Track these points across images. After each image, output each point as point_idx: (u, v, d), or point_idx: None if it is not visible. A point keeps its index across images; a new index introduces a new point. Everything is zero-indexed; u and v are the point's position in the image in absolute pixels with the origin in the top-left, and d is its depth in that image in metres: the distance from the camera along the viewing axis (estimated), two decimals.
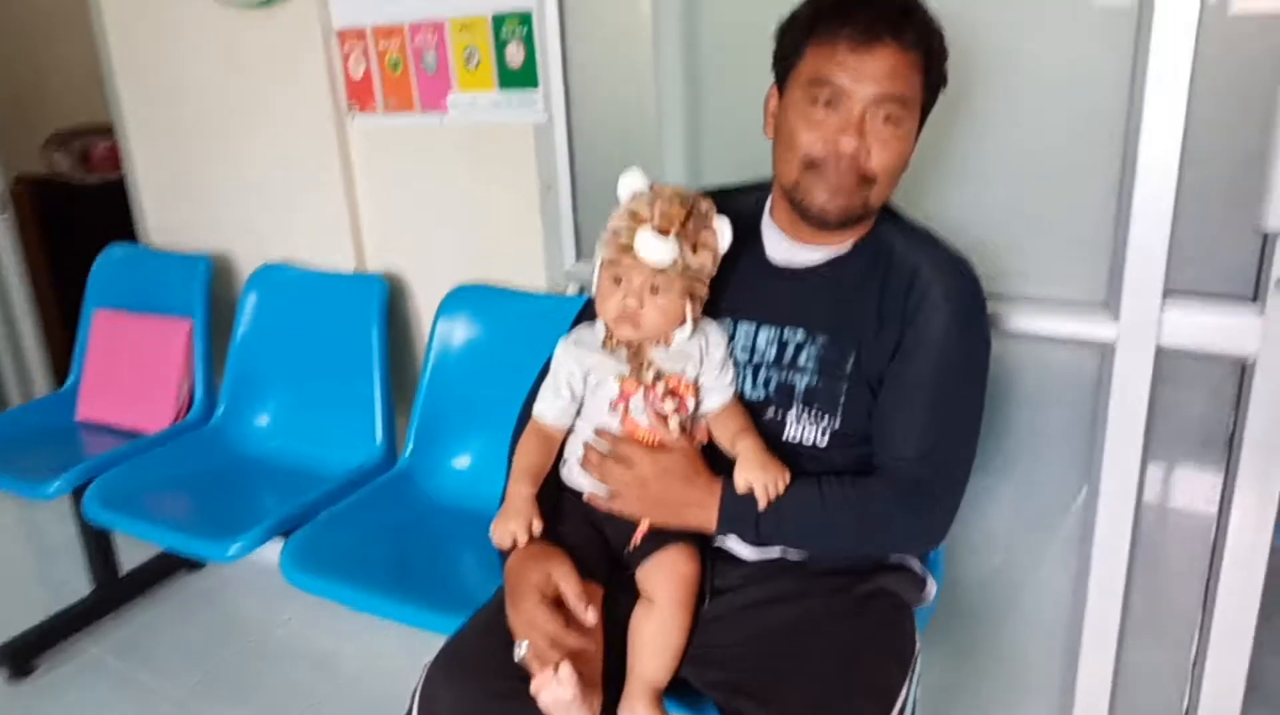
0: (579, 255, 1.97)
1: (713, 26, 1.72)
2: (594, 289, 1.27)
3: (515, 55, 1.91)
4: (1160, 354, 1.44)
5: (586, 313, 1.44)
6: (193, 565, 2.69)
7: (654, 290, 1.21)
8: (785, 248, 1.32)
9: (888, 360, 1.26)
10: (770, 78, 1.30)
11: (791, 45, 1.23)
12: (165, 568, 2.65)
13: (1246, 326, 1.39)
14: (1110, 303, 1.46)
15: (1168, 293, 1.40)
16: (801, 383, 1.29)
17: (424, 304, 2.25)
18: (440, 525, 1.95)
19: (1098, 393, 1.53)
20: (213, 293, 2.45)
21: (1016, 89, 1.47)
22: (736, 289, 1.32)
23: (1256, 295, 1.39)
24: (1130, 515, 1.52)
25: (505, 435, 1.97)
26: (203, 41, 2.32)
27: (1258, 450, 1.43)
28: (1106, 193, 1.45)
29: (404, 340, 2.32)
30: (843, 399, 1.27)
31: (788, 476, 1.22)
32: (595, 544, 1.31)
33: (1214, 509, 1.52)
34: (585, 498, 1.29)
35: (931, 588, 1.36)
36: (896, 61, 1.16)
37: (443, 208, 2.14)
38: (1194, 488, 1.54)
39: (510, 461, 1.38)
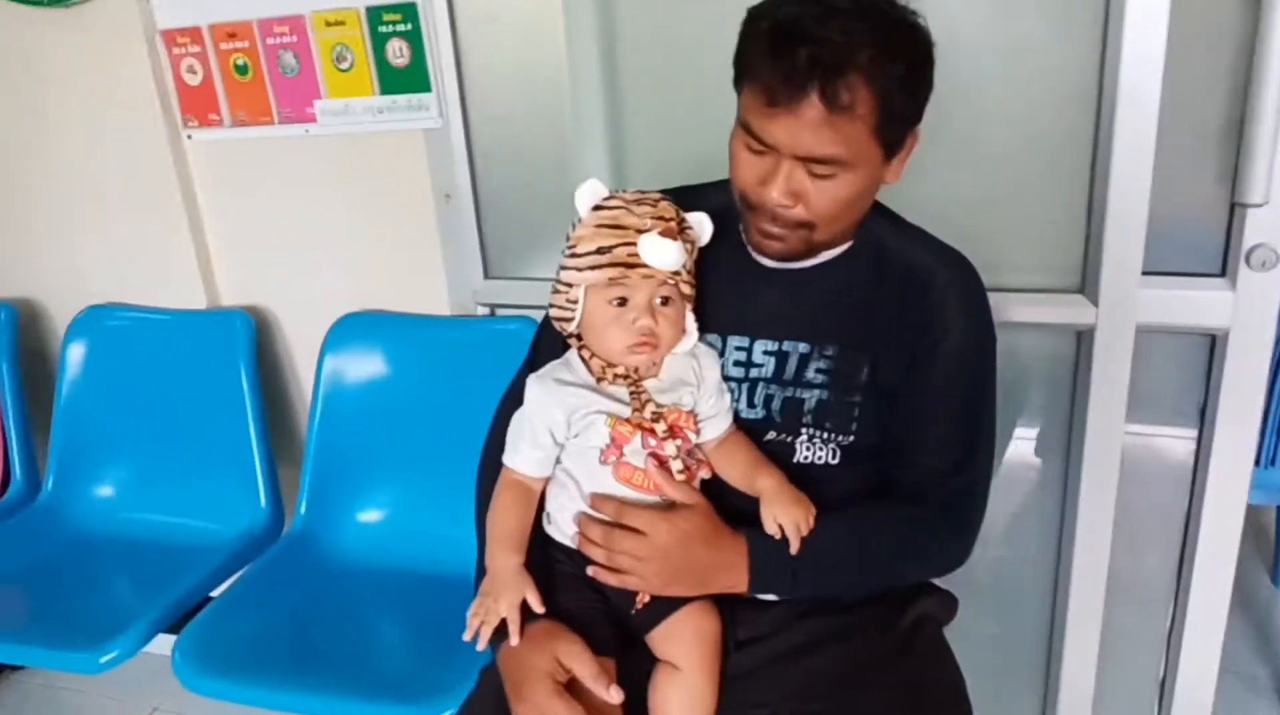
0: (487, 272, 1.78)
1: (633, 16, 1.57)
2: (573, 324, 1.12)
3: (398, 54, 1.68)
4: (1136, 333, 1.42)
5: (543, 346, 1.27)
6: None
7: (662, 302, 1.09)
8: None
9: (904, 368, 1.16)
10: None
11: (738, 65, 1.07)
12: None
13: (1218, 301, 1.39)
14: (1088, 287, 1.43)
15: (1143, 273, 1.38)
16: (811, 399, 1.17)
17: (302, 340, 1.99)
18: (354, 592, 1.71)
19: (1075, 375, 1.50)
20: (20, 346, 2.07)
21: (984, 73, 1.41)
22: (721, 298, 1.18)
23: (1225, 270, 1.40)
24: (1112, 494, 1.50)
25: (423, 480, 1.79)
26: None
27: (1230, 420, 1.44)
28: (1078, 176, 1.41)
29: (279, 384, 2.04)
30: (856, 413, 1.16)
31: (814, 513, 1.10)
32: (597, 609, 1.15)
33: (1188, 480, 1.53)
34: (590, 572, 1.12)
35: (957, 603, 1.28)
36: (821, 120, 0.97)
37: (316, 229, 1.89)
38: (1169, 461, 1.54)
39: (480, 522, 1.20)
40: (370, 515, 1.83)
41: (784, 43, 0.97)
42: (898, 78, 0.99)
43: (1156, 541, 1.59)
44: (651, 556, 1.07)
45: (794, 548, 1.08)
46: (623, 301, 1.08)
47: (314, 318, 1.88)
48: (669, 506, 1.10)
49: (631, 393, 1.11)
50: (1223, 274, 1.40)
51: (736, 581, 1.10)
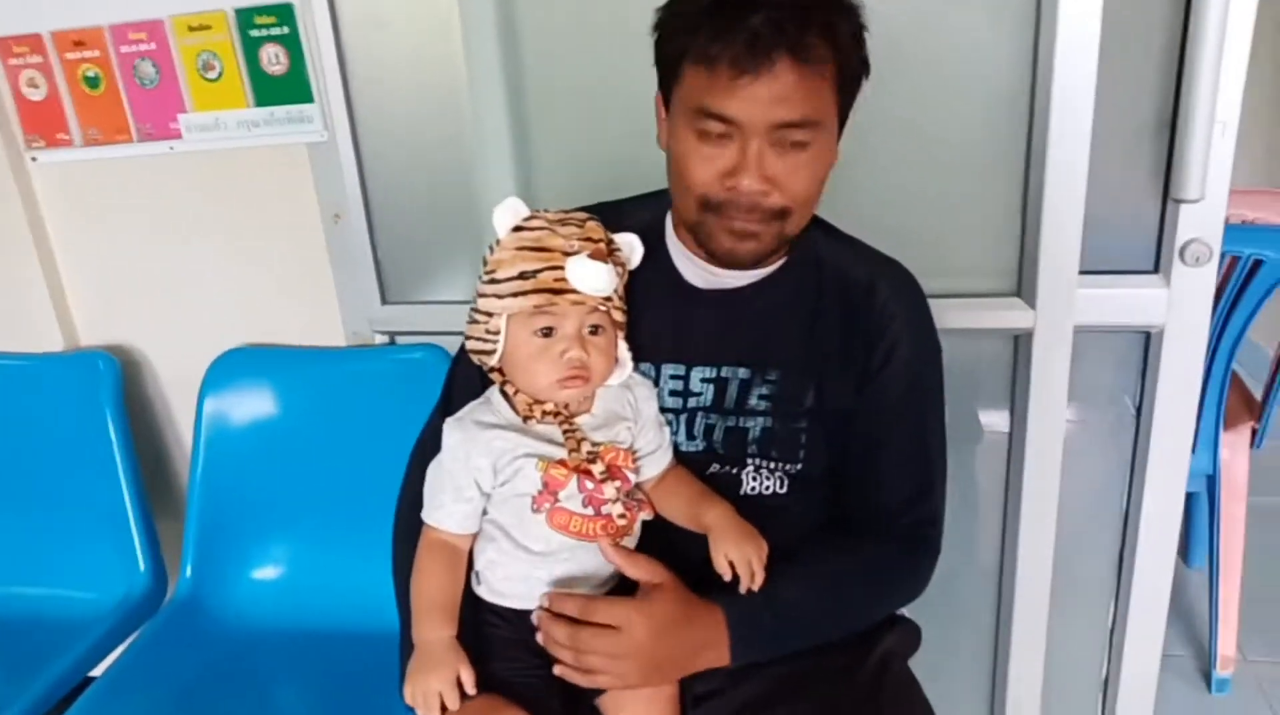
0: (384, 297, 1.63)
1: (536, 15, 1.45)
2: (495, 357, 1.02)
3: (274, 61, 1.51)
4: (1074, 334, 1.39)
5: (458, 384, 1.16)
6: None
7: (592, 331, 1.00)
8: (703, 269, 1.10)
9: (854, 389, 1.09)
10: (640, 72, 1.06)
11: (669, 55, 0.99)
12: None
13: (1153, 298, 1.37)
14: (1025, 290, 1.39)
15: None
16: (755, 427, 1.09)
17: (177, 381, 1.80)
18: (254, 660, 1.55)
19: (1014, 378, 1.47)
20: None
21: (915, 73, 1.34)
22: (651, 324, 1.10)
23: (1158, 267, 1.37)
24: (1054, 495, 1.47)
25: (323, 530, 1.64)
26: None
27: (1167, 414, 1.43)
28: (1012, 177, 1.37)
29: (153, 431, 1.84)
30: (804, 440, 1.10)
31: (765, 548, 1.02)
32: (537, 673, 1.04)
33: (1127, 476, 1.52)
34: (556, 673, 1.00)
35: (920, 632, 1.22)
36: (796, 80, 0.92)
37: (188, 258, 1.71)
38: (1106, 460, 1.52)
39: (401, 590, 1.09)
40: (266, 572, 1.65)
41: (735, 12, 0.91)
42: (849, 34, 0.96)
43: (1096, 539, 1.57)
44: (628, 653, 0.97)
45: (744, 586, 1.00)
46: (549, 331, 0.99)
47: (190, 355, 1.70)
48: (636, 595, 1.00)
49: (565, 432, 1.00)
50: (1156, 270, 1.38)
51: (718, 656, 1.01)
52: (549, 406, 1.01)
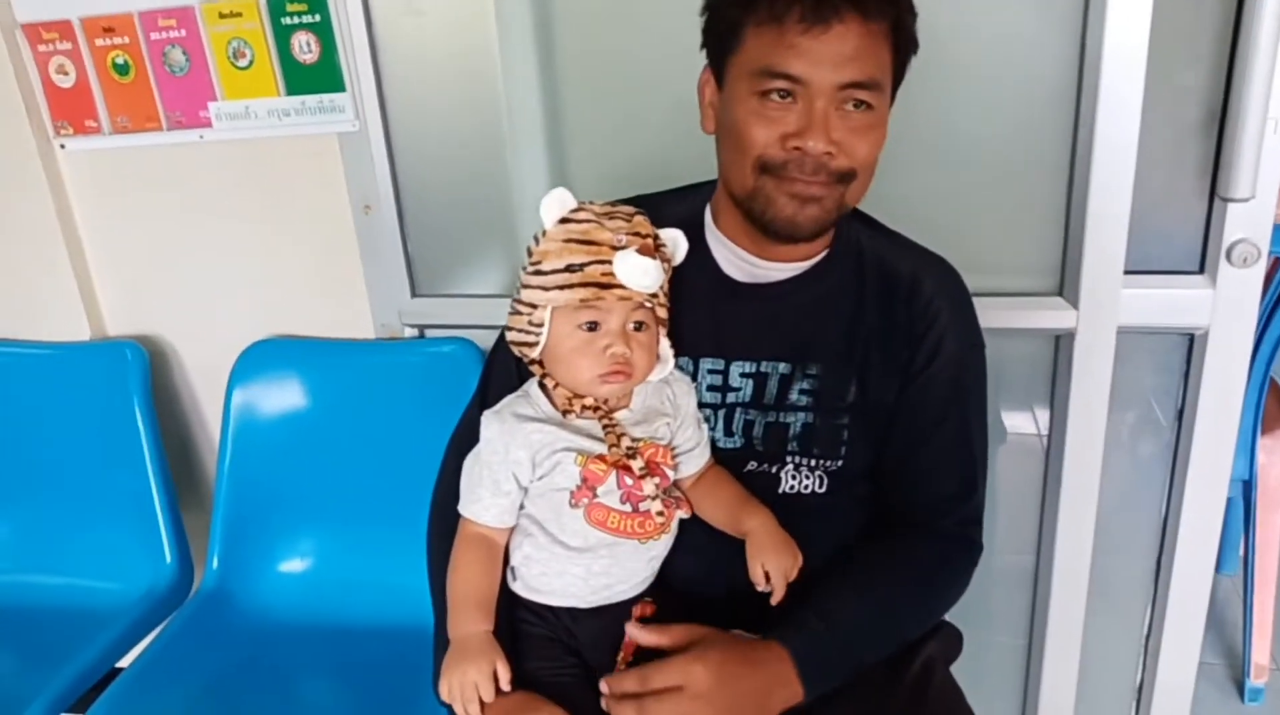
0: (414, 290, 1.61)
1: (572, 3, 1.43)
2: (537, 349, 1.00)
3: (305, 49, 1.50)
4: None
5: (495, 377, 1.15)
6: None
7: (636, 327, 0.98)
8: (743, 262, 1.09)
9: (897, 385, 1.07)
10: (691, 56, 1.05)
11: (726, 25, 0.98)
12: None
13: (1198, 299, 1.34)
14: (1067, 289, 1.37)
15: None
16: (796, 423, 1.08)
17: (205, 372, 1.78)
18: (281, 653, 1.54)
19: (1054, 379, 1.44)
20: None
21: (961, 70, 1.31)
22: (689, 318, 1.08)
23: (1203, 267, 1.35)
24: (1094, 499, 1.45)
25: (351, 523, 1.62)
26: None
27: (1209, 419, 1.40)
28: (1057, 175, 1.34)
29: (180, 422, 1.83)
30: (845, 436, 1.08)
31: (800, 559, 1.02)
32: (574, 672, 1.03)
33: (1166, 481, 1.49)
34: None
35: (962, 638, 1.20)
36: (861, 38, 0.93)
37: (217, 248, 1.69)
38: (1145, 464, 1.50)
39: (436, 584, 1.08)
40: (293, 565, 1.64)
41: None
42: (906, 5, 0.97)
43: (1133, 543, 1.55)
44: (698, 708, 0.93)
45: (776, 598, 1.00)
46: (594, 326, 0.97)
47: (218, 346, 1.69)
48: (689, 646, 0.98)
49: (605, 427, 0.99)
50: (1201, 271, 1.35)
51: (791, 694, 0.98)
52: (588, 401, 0.99)
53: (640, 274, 0.94)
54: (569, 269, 0.95)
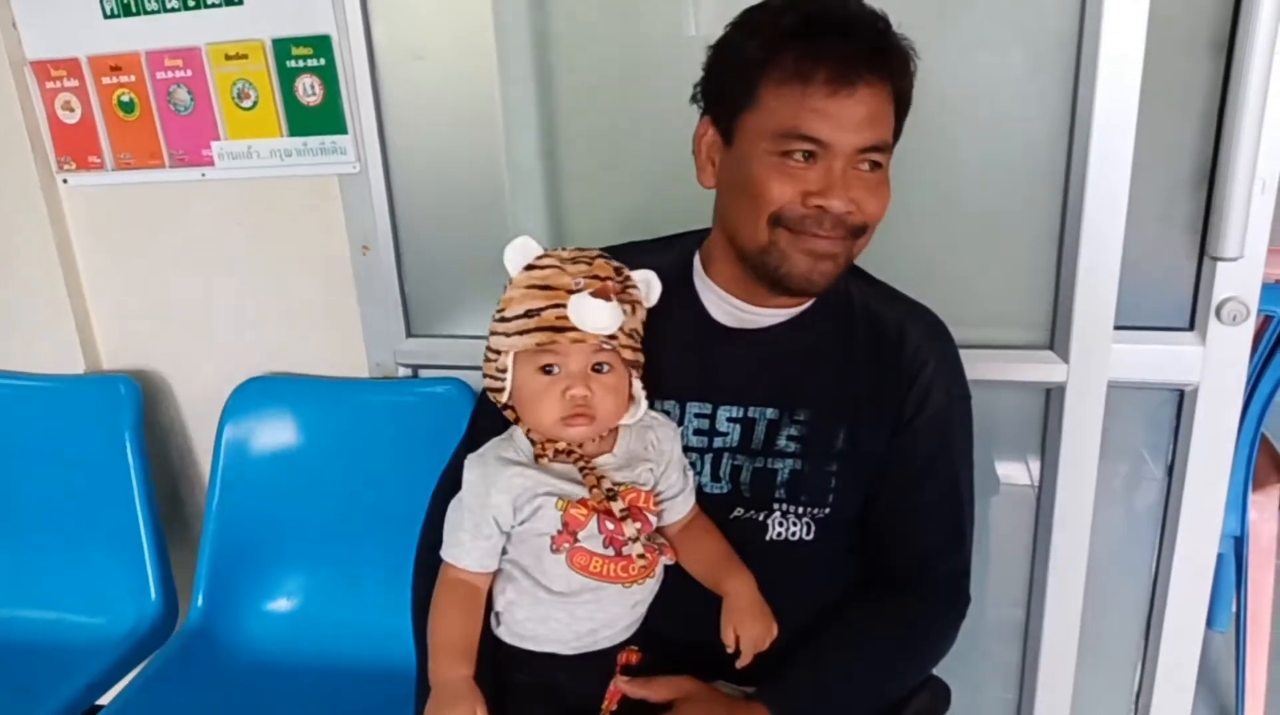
0: (410, 330, 1.62)
1: (572, 54, 1.45)
2: (505, 395, 1.01)
3: (309, 92, 1.52)
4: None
5: (483, 420, 1.15)
6: None
7: (598, 369, 0.98)
8: (733, 308, 1.09)
9: (887, 433, 1.07)
10: (680, 108, 1.07)
11: (741, 82, 0.98)
12: None
13: (1188, 355, 1.35)
14: (1058, 343, 1.37)
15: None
16: (784, 470, 1.07)
17: (197, 408, 1.79)
18: (264, 694, 1.53)
19: (1044, 432, 1.45)
20: None
21: (952, 123, 1.33)
22: (676, 362, 1.08)
23: (1193, 324, 1.36)
24: (1083, 552, 1.44)
25: (339, 563, 1.62)
26: None
27: (1200, 474, 1.40)
28: (1047, 228, 1.35)
29: (170, 457, 1.83)
30: (834, 484, 1.08)
31: (775, 631, 1.02)
32: None
33: (1157, 536, 1.49)
34: None
35: (950, 692, 1.19)
36: (876, 101, 0.95)
37: (214, 284, 1.71)
38: (1138, 516, 1.50)
39: (419, 629, 1.07)
40: (279, 604, 1.63)
41: (824, 32, 0.93)
42: (908, 63, 0.99)
43: (1123, 600, 1.54)
44: None
45: (742, 664, 1.00)
46: (551, 368, 0.97)
47: (211, 382, 1.69)
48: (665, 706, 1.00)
49: (582, 470, 0.99)
50: (1191, 328, 1.36)
51: None
52: (560, 445, 1.00)
53: (594, 316, 0.94)
54: (527, 314, 0.96)
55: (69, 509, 1.71)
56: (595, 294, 0.94)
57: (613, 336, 0.97)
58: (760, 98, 0.96)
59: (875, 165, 0.98)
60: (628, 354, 0.99)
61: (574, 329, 0.95)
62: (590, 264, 0.98)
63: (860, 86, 0.93)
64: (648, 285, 1.04)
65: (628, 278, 1.01)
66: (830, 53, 0.93)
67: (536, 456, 1.00)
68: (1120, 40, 1.22)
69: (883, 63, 0.95)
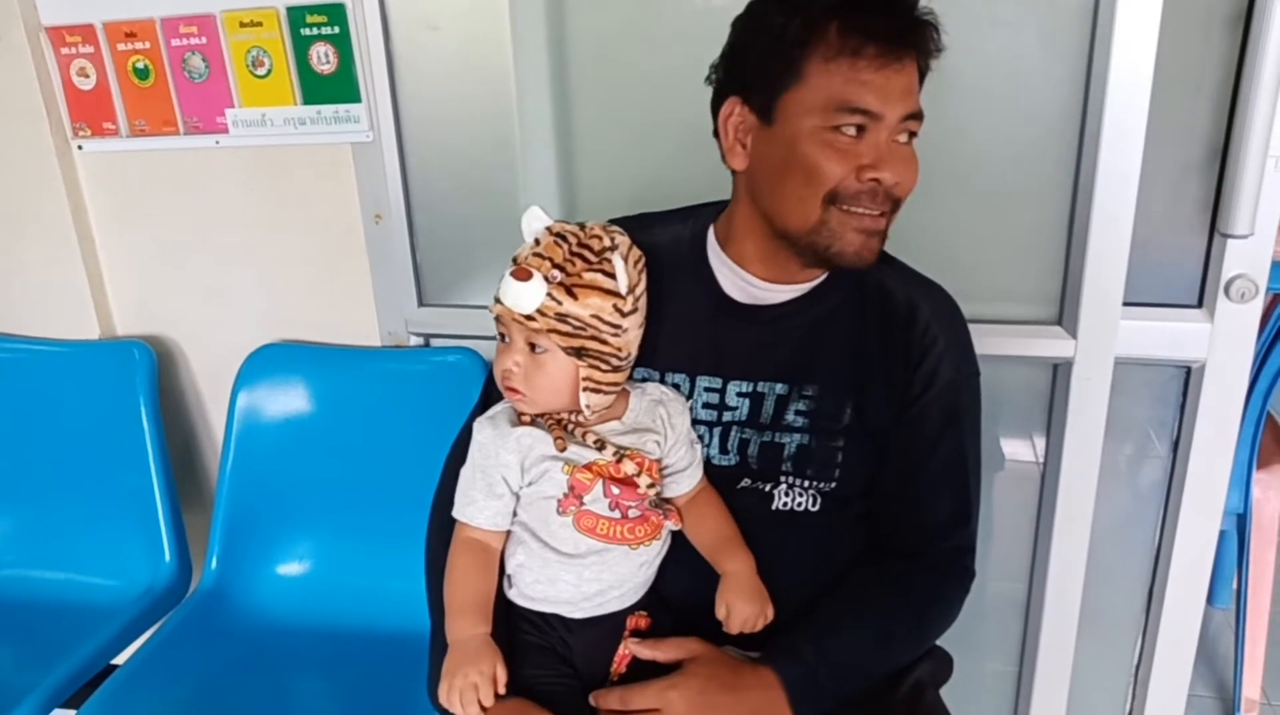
0: (421, 299, 1.63)
1: (585, 23, 1.45)
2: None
3: (323, 60, 1.52)
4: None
5: (495, 386, 1.15)
6: None
7: (534, 349, 1.00)
8: (745, 283, 1.10)
9: (894, 410, 1.08)
10: (693, 88, 1.06)
11: (778, 61, 0.97)
12: None
13: (1195, 332, 1.36)
14: (1066, 319, 1.38)
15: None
16: (791, 444, 1.09)
17: (211, 374, 1.80)
18: (276, 655, 1.54)
19: (1051, 407, 1.45)
20: None
21: (965, 99, 1.33)
22: (687, 335, 1.09)
23: (1201, 301, 1.36)
24: (1086, 527, 1.46)
25: (350, 528, 1.63)
26: None
27: (1204, 451, 1.41)
28: (1058, 205, 1.36)
29: (185, 422, 1.85)
30: (840, 458, 1.09)
31: (771, 615, 1.05)
32: (568, 683, 1.04)
33: (1160, 512, 1.50)
34: None
35: (952, 662, 1.20)
36: (912, 71, 0.98)
37: (228, 252, 1.71)
38: (1142, 493, 1.51)
39: (433, 590, 1.09)
40: (291, 568, 1.65)
41: (868, 3, 0.95)
42: (937, 34, 1.00)
43: (1124, 574, 1.55)
44: None
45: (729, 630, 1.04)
46: (504, 339, 1.02)
47: (225, 349, 1.70)
48: (673, 667, 1.02)
49: (558, 428, 1.02)
50: (1199, 305, 1.36)
51: None
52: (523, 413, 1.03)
53: (513, 295, 0.96)
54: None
55: (85, 473, 1.72)
56: (515, 274, 0.96)
57: (530, 317, 0.96)
58: (806, 74, 0.96)
59: (911, 135, 0.99)
60: (558, 338, 0.97)
61: (504, 306, 0.98)
62: (546, 240, 0.98)
63: (906, 59, 0.95)
64: (619, 268, 0.99)
65: (593, 264, 0.97)
66: (877, 26, 0.94)
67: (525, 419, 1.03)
68: (1135, 16, 1.22)
69: (921, 36, 0.97)
